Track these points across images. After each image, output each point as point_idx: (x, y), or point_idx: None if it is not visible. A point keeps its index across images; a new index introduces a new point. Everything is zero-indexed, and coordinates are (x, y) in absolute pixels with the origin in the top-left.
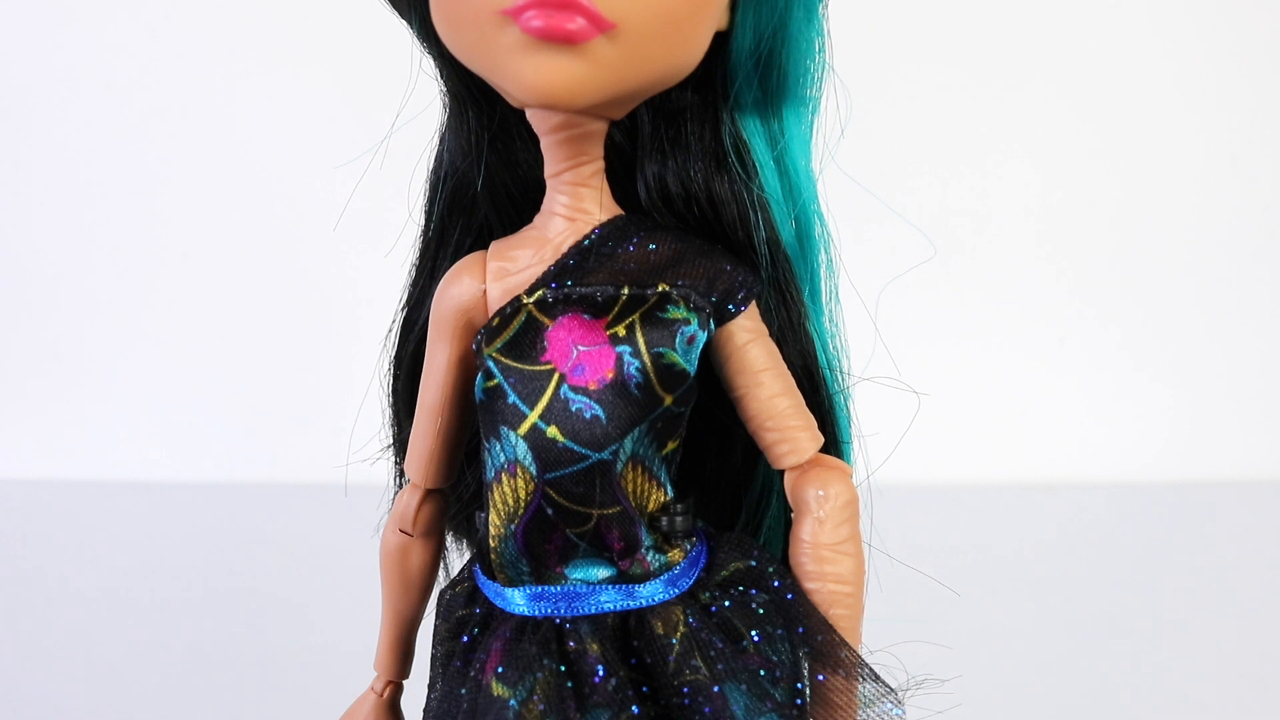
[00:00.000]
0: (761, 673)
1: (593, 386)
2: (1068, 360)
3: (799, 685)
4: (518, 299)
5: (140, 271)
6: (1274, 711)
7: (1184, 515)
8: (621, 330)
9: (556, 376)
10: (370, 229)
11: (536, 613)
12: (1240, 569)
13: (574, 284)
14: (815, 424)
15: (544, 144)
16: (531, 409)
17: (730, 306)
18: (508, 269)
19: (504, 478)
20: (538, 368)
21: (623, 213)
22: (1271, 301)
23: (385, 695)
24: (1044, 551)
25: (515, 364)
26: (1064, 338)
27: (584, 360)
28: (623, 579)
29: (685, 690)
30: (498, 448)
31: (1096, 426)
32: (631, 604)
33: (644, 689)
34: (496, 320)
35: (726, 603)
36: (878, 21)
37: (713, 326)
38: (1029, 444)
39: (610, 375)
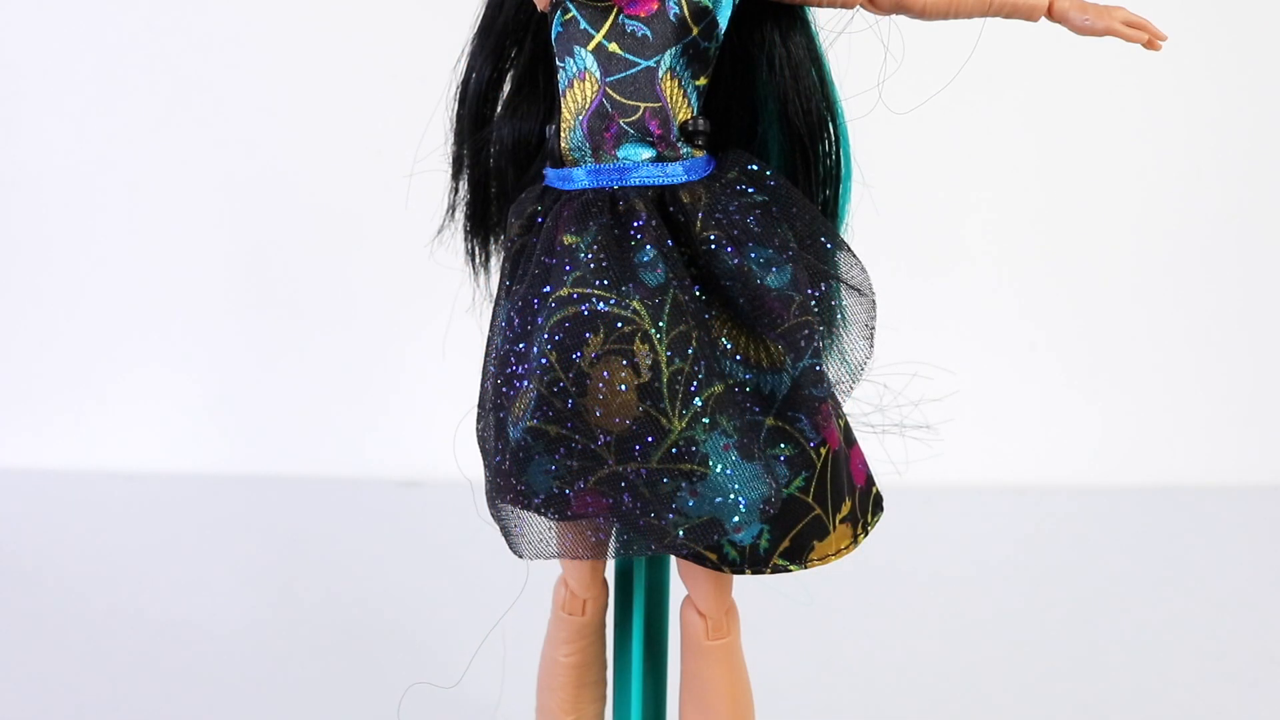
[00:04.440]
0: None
1: (642, 15)
2: (1069, 361)
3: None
4: None
5: (139, 268)
6: (1276, 712)
7: (1184, 518)
8: None
9: (616, 9)
10: (372, 228)
11: (595, 184)
12: (1241, 571)
13: None
14: None
15: None
16: (597, 31)
17: None
18: None
19: (575, 84)
20: (603, 4)
21: None
22: (1262, 305)
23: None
24: (1044, 552)
25: (586, 3)
26: (1063, 338)
27: None
28: (659, 159)
29: (711, 238)
30: (570, 63)
31: (1098, 428)
32: (664, 180)
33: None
34: None
35: (735, 189)
36: (877, 21)
37: None
38: (1030, 445)
39: (655, 7)
